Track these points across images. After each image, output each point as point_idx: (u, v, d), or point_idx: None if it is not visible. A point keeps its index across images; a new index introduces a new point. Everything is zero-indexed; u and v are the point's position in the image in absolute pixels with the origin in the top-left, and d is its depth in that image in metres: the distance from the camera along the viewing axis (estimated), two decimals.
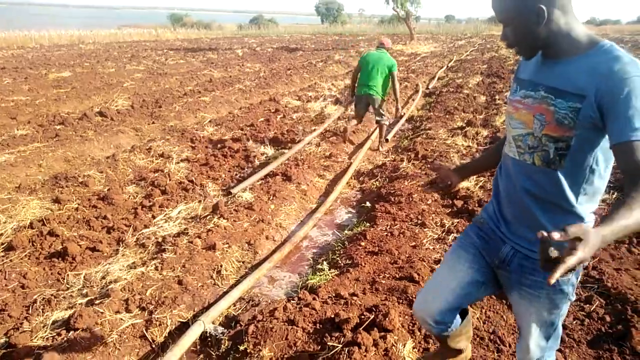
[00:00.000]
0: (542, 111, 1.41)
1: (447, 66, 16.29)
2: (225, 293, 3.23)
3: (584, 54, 1.36)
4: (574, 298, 1.60)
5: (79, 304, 3.03)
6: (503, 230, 1.63)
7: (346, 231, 4.33)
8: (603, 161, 1.41)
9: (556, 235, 1.03)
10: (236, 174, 5.46)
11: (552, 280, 1.02)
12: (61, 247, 3.64)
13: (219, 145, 6.52)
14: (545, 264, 1.08)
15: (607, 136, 1.31)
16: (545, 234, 1.05)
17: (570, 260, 1.00)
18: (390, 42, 6.84)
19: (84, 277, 3.35)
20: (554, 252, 1.06)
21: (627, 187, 1.21)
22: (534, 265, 1.54)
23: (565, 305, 1.59)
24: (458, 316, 1.88)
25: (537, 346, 1.67)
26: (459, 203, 4.45)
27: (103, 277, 3.34)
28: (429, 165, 1.82)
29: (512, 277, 1.62)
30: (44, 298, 3.08)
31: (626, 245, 3.71)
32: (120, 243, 3.82)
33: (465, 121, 7.60)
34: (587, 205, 1.49)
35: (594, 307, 2.89)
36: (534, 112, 1.43)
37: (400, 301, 2.93)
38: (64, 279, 3.34)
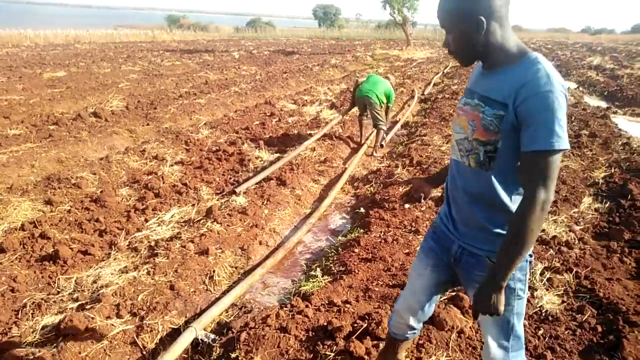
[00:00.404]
0: (474, 117, 1.52)
1: (443, 72, 16.35)
2: (218, 299, 3.21)
3: (514, 65, 1.45)
4: (525, 295, 1.64)
5: (70, 308, 3.00)
6: (451, 230, 1.71)
7: (340, 237, 4.32)
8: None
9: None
10: (230, 178, 5.44)
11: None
12: (52, 250, 3.61)
13: (213, 148, 6.50)
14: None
15: None
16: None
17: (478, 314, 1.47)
18: (394, 80, 7.16)
19: (75, 281, 3.32)
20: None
21: (519, 207, 1.42)
22: (479, 261, 1.63)
23: (517, 302, 1.62)
24: (419, 330, 2.01)
25: (498, 347, 1.69)
26: None
27: (94, 282, 3.31)
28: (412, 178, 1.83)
29: (464, 273, 1.71)
30: (34, 302, 3.05)
31: (618, 255, 3.72)
32: (113, 247, 3.79)
33: None
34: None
35: (585, 317, 2.90)
36: (469, 118, 1.55)
37: None
38: (54, 282, 3.31)
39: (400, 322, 1.97)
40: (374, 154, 6.87)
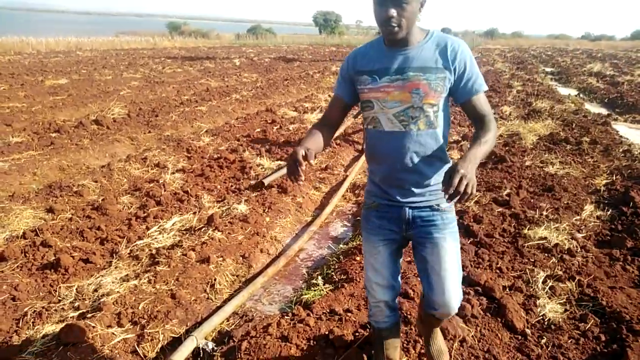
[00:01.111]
0: (417, 86, 1.75)
1: None
2: (219, 308, 3.21)
3: (426, 39, 1.79)
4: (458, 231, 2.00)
5: (71, 317, 2.99)
6: (397, 199, 1.90)
7: (341, 245, 4.31)
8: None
9: (455, 182, 1.50)
10: (232, 185, 5.44)
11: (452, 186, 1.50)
12: (54, 258, 3.61)
13: (215, 156, 6.51)
14: (450, 196, 1.52)
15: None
16: (444, 189, 1.54)
17: (462, 182, 1.50)
18: None
19: (76, 289, 3.31)
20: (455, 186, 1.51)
21: (478, 129, 1.77)
22: (432, 213, 1.90)
23: (458, 238, 1.98)
24: (397, 313, 2.21)
25: (457, 301, 1.92)
26: None
27: (95, 290, 3.31)
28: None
29: (420, 231, 1.91)
30: (35, 311, 3.05)
31: (620, 263, 3.71)
32: (114, 255, 3.79)
33: (461, 135, 7.64)
34: (448, 152, 1.94)
35: (589, 325, 2.88)
36: (409, 89, 1.76)
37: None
38: (55, 291, 3.30)
39: (376, 306, 2.11)
40: None
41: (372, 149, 1.93)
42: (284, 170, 5.32)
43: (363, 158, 6.78)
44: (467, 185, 1.51)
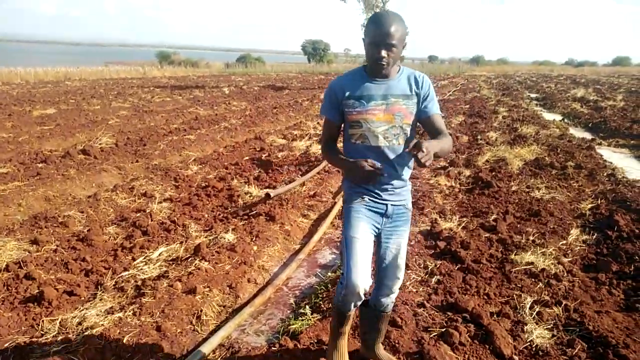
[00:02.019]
0: (399, 110, 2.19)
1: None
2: (205, 339, 3.16)
3: (399, 73, 2.24)
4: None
5: (54, 352, 2.93)
6: (382, 198, 2.30)
7: (330, 273, 4.29)
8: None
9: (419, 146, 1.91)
10: (219, 214, 5.43)
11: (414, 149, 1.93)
12: (37, 291, 3.55)
13: (202, 185, 6.50)
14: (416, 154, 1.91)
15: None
16: (413, 147, 1.93)
17: (423, 150, 1.89)
18: None
19: (60, 322, 3.25)
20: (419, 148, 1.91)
21: (440, 136, 2.24)
22: (403, 210, 2.37)
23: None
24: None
25: (402, 276, 2.45)
26: (441, 244, 4.46)
27: (79, 323, 3.24)
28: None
29: (393, 224, 2.36)
30: (16, 346, 2.98)
31: (606, 287, 3.73)
32: (99, 286, 3.74)
33: (448, 161, 7.72)
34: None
35: (576, 350, 2.88)
36: (393, 112, 2.19)
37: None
38: (38, 325, 3.24)
39: (354, 293, 2.22)
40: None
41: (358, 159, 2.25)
42: (293, 185, 5.99)
43: None
44: (426, 154, 1.90)
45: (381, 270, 2.41)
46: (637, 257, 4.13)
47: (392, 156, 2.24)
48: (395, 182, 2.30)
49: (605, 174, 6.87)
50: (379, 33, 2.04)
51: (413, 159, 2.11)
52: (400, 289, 3.58)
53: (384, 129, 2.20)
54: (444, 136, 2.23)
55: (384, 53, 2.07)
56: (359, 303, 2.33)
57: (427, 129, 2.30)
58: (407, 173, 2.33)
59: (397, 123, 2.20)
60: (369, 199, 2.31)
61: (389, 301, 2.51)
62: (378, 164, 2.17)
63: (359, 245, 2.23)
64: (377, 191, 2.30)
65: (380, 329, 2.63)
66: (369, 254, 2.27)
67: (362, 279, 2.19)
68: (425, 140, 1.98)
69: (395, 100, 2.19)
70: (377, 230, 2.35)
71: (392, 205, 2.32)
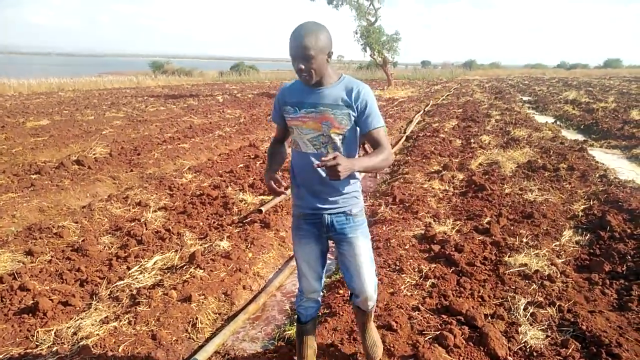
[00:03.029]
0: (326, 119, 2.19)
1: (424, 110, 16.71)
2: (201, 347, 3.16)
3: (336, 82, 2.22)
4: (369, 231, 2.50)
5: None
6: (317, 207, 2.32)
7: (324, 278, 4.29)
8: (357, 144, 2.36)
9: (330, 157, 1.98)
10: (214, 222, 5.43)
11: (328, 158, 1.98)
12: (32, 302, 3.55)
13: (197, 193, 6.51)
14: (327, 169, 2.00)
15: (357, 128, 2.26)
16: (323, 159, 1.99)
17: (333, 161, 1.95)
18: None
19: (55, 333, 3.25)
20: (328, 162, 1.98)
21: (374, 152, 2.22)
22: (345, 217, 2.34)
23: (369, 237, 2.48)
24: (318, 307, 2.65)
25: (373, 287, 2.45)
26: (436, 248, 4.48)
27: (75, 333, 3.24)
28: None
29: (337, 234, 2.36)
30: (10, 357, 2.97)
31: (599, 287, 3.76)
32: (94, 296, 3.74)
33: (442, 165, 7.76)
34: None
35: (570, 350, 2.90)
36: (320, 120, 2.20)
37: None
38: (33, 336, 3.23)
39: (307, 300, 2.54)
40: (377, 176, 7.72)
41: (294, 167, 2.38)
42: (280, 197, 5.80)
43: None
44: (334, 165, 1.96)
45: (349, 281, 2.46)
46: (629, 257, 4.17)
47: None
48: (328, 191, 2.30)
49: (597, 175, 6.92)
50: (295, 46, 2.07)
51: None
52: (394, 294, 3.62)
53: (311, 136, 2.24)
54: (379, 152, 2.20)
55: (302, 65, 2.07)
56: (315, 309, 2.60)
57: (368, 142, 2.32)
58: (342, 181, 2.19)
59: (324, 132, 2.21)
60: (306, 212, 2.36)
61: (368, 305, 2.51)
62: (276, 188, 2.26)
63: (301, 260, 2.46)
64: (310, 200, 2.33)
65: (365, 325, 2.70)
66: (313, 265, 2.45)
67: (308, 288, 2.50)
68: (340, 156, 2.01)
69: (325, 109, 2.19)
70: (321, 239, 2.42)
71: (328, 214, 2.33)
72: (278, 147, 2.52)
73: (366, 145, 2.47)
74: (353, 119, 2.21)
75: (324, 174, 2.20)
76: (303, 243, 2.42)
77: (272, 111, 2.47)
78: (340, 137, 2.22)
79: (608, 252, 4.32)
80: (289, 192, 2.33)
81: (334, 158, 1.97)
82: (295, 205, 2.43)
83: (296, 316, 2.68)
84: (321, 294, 2.60)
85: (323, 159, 2.00)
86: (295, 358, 2.80)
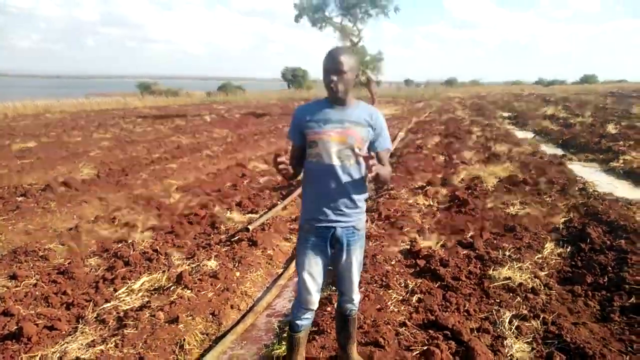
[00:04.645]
0: (351, 134, 2.43)
1: (408, 128, 16.90)
2: None
3: (355, 104, 2.51)
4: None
5: None
6: (329, 220, 2.51)
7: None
8: None
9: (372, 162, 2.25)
10: (202, 241, 5.44)
11: (372, 165, 2.25)
12: (16, 327, 3.51)
13: (185, 212, 6.51)
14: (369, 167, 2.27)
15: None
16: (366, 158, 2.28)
17: (374, 167, 2.26)
18: None
19: (40, 358, 3.21)
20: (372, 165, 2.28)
21: (388, 168, 2.57)
22: (352, 231, 2.56)
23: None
24: (312, 318, 2.82)
25: (357, 290, 2.77)
26: (421, 263, 4.53)
27: (60, 358, 3.21)
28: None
29: (344, 245, 2.55)
30: None
31: (582, 299, 3.82)
32: (80, 319, 3.71)
33: (426, 181, 7.86)
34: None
35: None
36: (346, 135, 2.43)
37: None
38: None
39: (305, 312, 2.69)
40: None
41: (313, 177, 2.54)
42: (270, 214, 6.06)
43: None
44: (377, 173, 2.30)
45: (340, 284, 2.74)
46: (609, 269, 4.25)
47: (343, 176, 2.47)
48: (346, 202, 2.50)
49: (576, 189, 7.07)
50: (331, 61, 2.35)
51: (364, 182, 2.55)
52: (381, 309, 3.66)
53: (337, 148, 2.44)
54: (387, 167, 2.58)
55: (334, 77, 2.34)
56: (309, 320, 2.76)
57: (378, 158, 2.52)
58: (358, 196, 2.53)
59: (349, 144, 2.42)
60: (317, 225, 2.53)
61: (352, 307, 2.80)
62: (281, 162, 2.38)
63: (304, 272, 2.59)
64: (326, 212, 2.50)
65: (350, 331, 2.89)
66: (315, 277, 2.59)
67: (307, 299, 2.63)
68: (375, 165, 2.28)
69: (350, 125, 2.44)
70: (327, 252, 2.58)
71: (340, 227, 2.52)
72: (296, 166, 2.64)
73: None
74: (371, 137, 2.50)
75: (343, 183, 2.46)
76: (309, 255, 2.57)
77: (289, 130, 2.65)
78: (361, 151, 2.43)
79: (589, 263, 4.40)
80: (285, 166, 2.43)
81: (375, 164, 2.26)
82: (307, 218, 2.59)
83: (289, 327, 2.81)
84: (317, 305, 2.72)
85: (366, 155, 2.28)
86: None
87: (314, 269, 2.58)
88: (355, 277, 2.69)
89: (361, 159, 2.36)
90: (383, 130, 2.53)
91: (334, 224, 2.51)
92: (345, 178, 2.47)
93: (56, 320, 3.64)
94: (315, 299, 2.65)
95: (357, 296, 2.80)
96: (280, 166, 2.38)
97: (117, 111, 27.74)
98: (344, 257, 2.59)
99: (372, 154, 2.29)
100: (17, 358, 3.23)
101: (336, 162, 2.45)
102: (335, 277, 2.78)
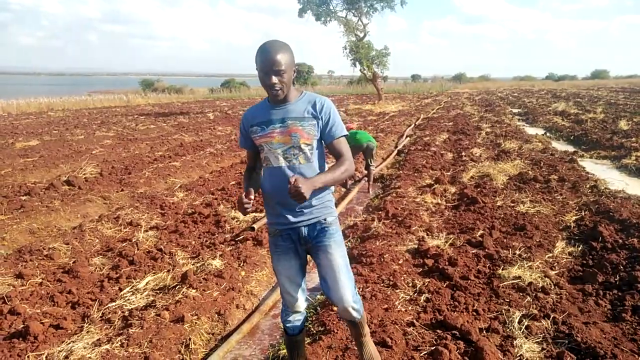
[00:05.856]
0: (295, 131, 2.30)
1: (415, 124, 16.82)
2: None
3: (300, 97, 2.37)
4: (343, 240, 2.54)
5: None
6: (292, 221, 2.40)
7: (318, 296, 4.28)
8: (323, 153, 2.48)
9: (292, 181, 2.07)
10: (206, 240, 5.40)
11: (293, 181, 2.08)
12: (22, 326, 3.48)
13: (189, 211, 6.47)
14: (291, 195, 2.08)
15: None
16: (292, 181, 2.06)
17: (298, 188, 2.05)
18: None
19: (46, 357, 3.18)
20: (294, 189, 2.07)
21: (336, 164, 2.34)
22: (321, 226, 2.42)
23: (343, 245, 2.51)
24: (304, 319, 2.74)
25: (351, 293, 2.43)
26: (429, 262, 4.48)
27: (66, 357, 3.18)
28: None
29: (314, 243, 2.43)
30: None
31: (593, 298, 3.77)
32: (85, 319, 3.68)
33: (434, 178, 7.80)
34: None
35: None
36: (289, 133, 2.31)
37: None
38: None
39: (293, 314, 2.64)
40: (370, 191, 7.88)
41: (267, 183, 2.43)
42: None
43: (340, 207, 6.83)
44: (296, 191, 2.05)
45: (330, 292, 2.47)
46: (621, 267, 4.18)
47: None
48: (304, 203, 2.30)
49: (588, 186, 6.98)
50: (267, 61, 2.18)
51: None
52: (388, 309, 3.61)
53: (282, 149, 2.34)
54: (340, 164, 2.34)
55: (273, 79, 2.20)
56: (301, 321, 2.69)
57: (330, 152, 2.44)
58: (315, 193, 2.32)
59: (294, 143, 2.32)
60: (282, 229, 2.44)
61: (353, 316, 2.50)
62: (244, 203, 2.24)
63: (282, 276, 2.54)
64: (285, 215, 2.40)
65: (358, 331, 2.67)
66: (294, 279, 2.53)
67: (292, 302, 2.58)
68: (299, 179, 2.10)
69: (292, 122, 2.31)
70: (299, 252, 2.49)
71: (304, 226, 2.41)
72: (252, 173, 2.59)
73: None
74: (319, 129, 2.35)
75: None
76: (282, 259, 2.50)
77: (239, 138, 2.57)
78: (309, 147, 2.35)
79: (601, 262, 4.34)
80: (251, 206, 2.30)
81: (294, 183, 2.06)
82: (271, 223, 2.51)
83: (283, 330, 2.77)
84: (306, 304, 2.66)
85: (290, 182, 2.08)
86: None
87: (290, 271, 2.51)
88: (343, 278, 2.41)
89: (292, 180, 2.09)
90: (332, 117, 2.35)
91: (297, 225, 2.41)
92: (307, 176, 2.31)
93: (62, 319, 3.61)
94: (300, 300, 2.58)
95: (354, 303, 2.46)
96: (246, 206, 2.25)
97: (120, 109, 27.79)
98: (320, 256, 2.43)
99: (293, 177, 2.11)
100: (23, 357, 3.20)
101: (283, 163, 2.35)
102: (326, 289, 2.49)
